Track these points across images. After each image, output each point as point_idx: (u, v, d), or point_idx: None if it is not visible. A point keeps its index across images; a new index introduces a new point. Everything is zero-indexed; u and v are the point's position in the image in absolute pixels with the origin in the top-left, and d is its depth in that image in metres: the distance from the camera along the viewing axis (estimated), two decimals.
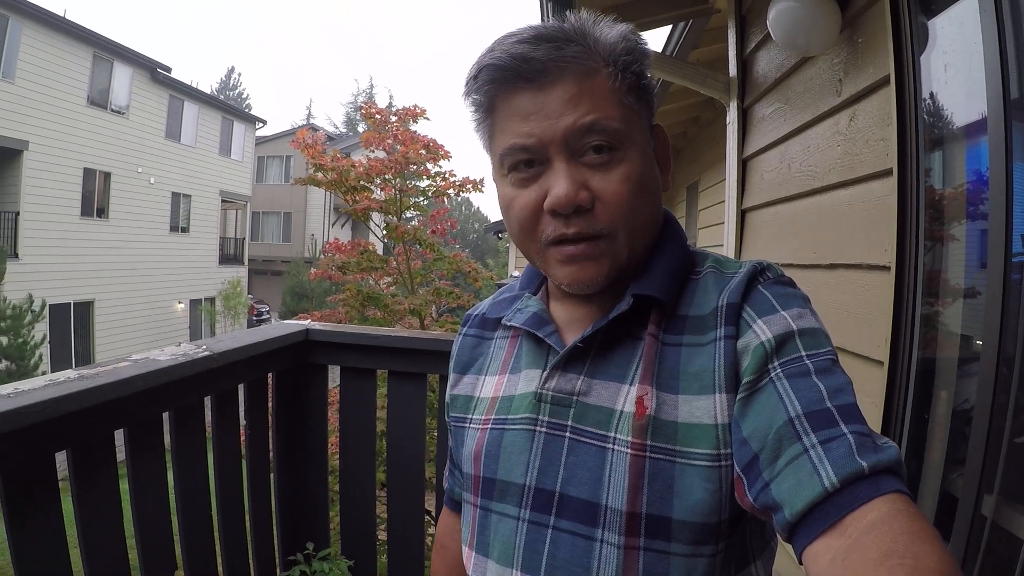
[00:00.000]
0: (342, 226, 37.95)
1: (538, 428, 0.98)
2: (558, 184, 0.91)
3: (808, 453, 0.75)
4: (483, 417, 1.08)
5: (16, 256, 17.78)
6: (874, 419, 2.18)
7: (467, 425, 1.11)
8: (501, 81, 0.93)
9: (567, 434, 0.96)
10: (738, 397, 0.87)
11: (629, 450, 0.90)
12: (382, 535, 3.09)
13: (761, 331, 0.89)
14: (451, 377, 1.21)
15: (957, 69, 1.96)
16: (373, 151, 10.99)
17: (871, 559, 0.65)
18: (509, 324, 1.10)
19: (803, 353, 0.85)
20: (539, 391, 1.00)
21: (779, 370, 0.85)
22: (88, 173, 20.62)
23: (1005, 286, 1.65)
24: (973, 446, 1.73)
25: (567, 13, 0.97)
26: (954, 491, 1.89)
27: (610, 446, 0.92)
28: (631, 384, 0.94)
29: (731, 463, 0.86)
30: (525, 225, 0.97)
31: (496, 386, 1.09)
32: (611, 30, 0.95)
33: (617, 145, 0.93)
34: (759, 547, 0.96)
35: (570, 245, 0.94)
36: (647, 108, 1.00)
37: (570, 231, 0.93)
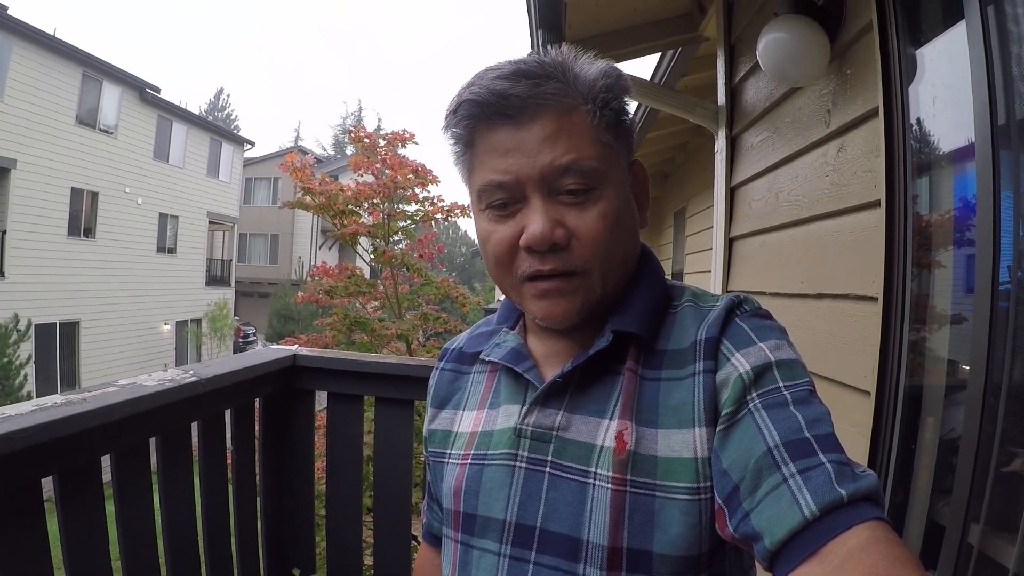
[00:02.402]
0: (329, 249, 37.93)
1: (518, 463, 0.99)
2: (534, 222, 0.92)
3: (787, 483, 0.76)
4: (462, 452, 1.08)
5: (2, 275, 17.69)
6: (861, 448, 2.18)
7: (446, 460, 1.11)
8: (480, 116, 0.94)
9: (547, 469, 0.96)
10: (718, 429, 0.87)
11: (610, 485, 0.91)
12: (368, 560, 3.07)
13: (739, 363, 0.90)
14: (428, 412, 1.21)
15: (945, 100, 1.98)
16: (361, 175, 10.99)
17: None
18: (487, 359, 1.10)
19: (781, 384, 0.86)
20: (519, 426, 1.00)
21: (757, 401, 0.85)
22: (75, 192, 20.57)
23: (992, 314, 1.66)
24: (960, 475, 1.73)
25: (548, 47, 0.98)
26: (941, 520, 1.89)
27: (591, 481, 0.92)
28: (611, 419, 0.94)
29: (711, 496, 0.87)
30: (501, 260, 0.98)
31: (475, 421, 1.09)
32: (591, 66, 0.97)
33: (594, 184, 0.94)
34: None
35: (544, 281, 0.95)
36: (625, 145, 1.01)
37: (545, 268, 0.94)
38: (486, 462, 1.02)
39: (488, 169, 0.95)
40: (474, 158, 0.98)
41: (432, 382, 1.23)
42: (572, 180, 0.92)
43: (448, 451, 1.11)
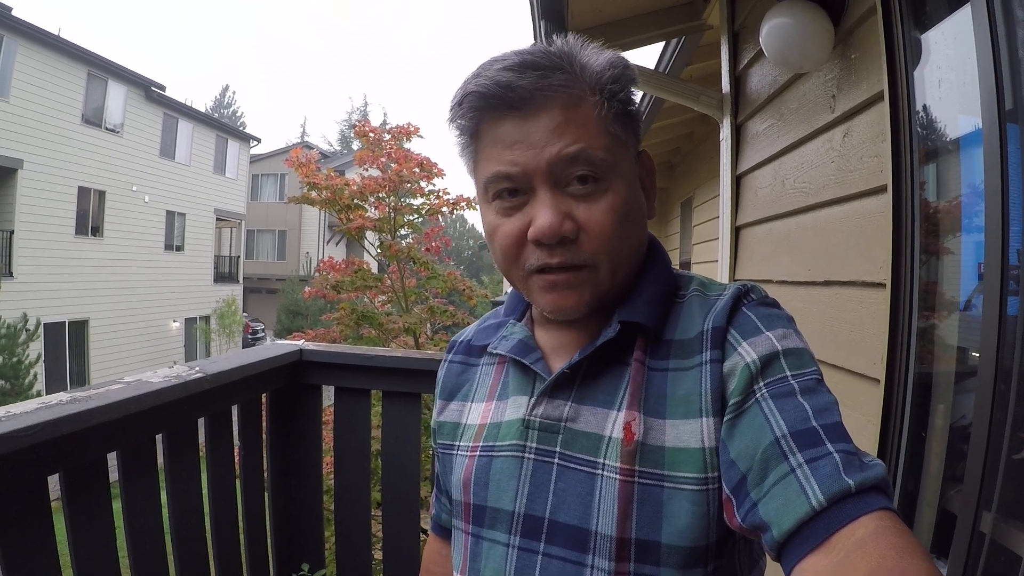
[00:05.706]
0: (337, 244, 38.03)
1: (526, 455, 0.98)
2: (543, 215, 0.91)
3: (795, 472, 0.76)
4: (471, 444, 1.08)
5: (10, 275, 17.75)
6: (871, 437, 2.17)
7: (455, 452, 1.11)
8: (486, 108, 0.93)
9: (556, 460, 0.96)
10: (725, 419, 0.87)
11: (618, 476, 0.90)
12: (377, 554, 3.08)
13: (746, 352, 0.89)
14: (437, 404, 1.21)
15: (951, 83, 1.96)
16: (367, 169, 11.00)
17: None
18: (495, 352, 1.10)
19: (788, 373, 0.86)
20: (527, 418, 1.00)
21: (764, 391, 0.85)
22: (83, 191, 20.62)
23: (1002, 298, 1.64)
24: (971, 463, 1.71)
25: (553, 37, 0.97)
26: (952, 508, 1.88)
27: (599, 472, 0.92)
28: (618, 410, 0.94)
29: (718, 486, 0.87)
30: (509, 253, 0.97)
31: (483, 413, 1.09)
32: (598, 56, 0.95)
33: (602, 175, 0.93)
34: (748, 567, 0.96)
35: (553, 273, 0.94)
36: (633, 135, 1.00)
37: (554, 261, 0.93)
38: (495, 454, 1.02)
39: (495, 161, 0.94)
40: (480, 150, 0.97)
41: (440, 374, 1.23)
42: (580, 168, 0.91)
43: (457, 443, 1.11)
